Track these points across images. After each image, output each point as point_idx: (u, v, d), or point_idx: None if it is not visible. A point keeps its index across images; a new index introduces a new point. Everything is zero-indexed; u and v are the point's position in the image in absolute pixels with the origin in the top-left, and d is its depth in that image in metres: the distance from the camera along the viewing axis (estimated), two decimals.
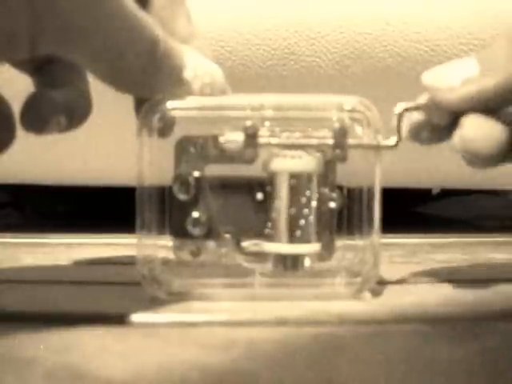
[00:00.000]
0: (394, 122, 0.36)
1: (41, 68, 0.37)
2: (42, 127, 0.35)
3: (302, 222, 0.36)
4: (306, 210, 0.36)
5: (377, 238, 0.35)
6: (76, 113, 0.36)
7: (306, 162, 0.36)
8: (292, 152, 0.35)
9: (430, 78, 0.35)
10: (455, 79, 0.34)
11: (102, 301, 0.35)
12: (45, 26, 0.30)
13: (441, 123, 0.35)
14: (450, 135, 0.35)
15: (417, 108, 0.36)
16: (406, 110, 0.36)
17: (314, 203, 0.36)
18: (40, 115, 0.35)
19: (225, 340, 0.30)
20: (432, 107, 0.35)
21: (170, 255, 0.36)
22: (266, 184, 0.36)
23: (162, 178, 0.36)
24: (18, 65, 0.37)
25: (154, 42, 0.32)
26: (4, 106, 0.34)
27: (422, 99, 0.36)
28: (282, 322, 0.33)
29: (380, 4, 0.53)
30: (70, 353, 0.29)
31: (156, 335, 0.31)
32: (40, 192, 0.64)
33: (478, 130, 0.33)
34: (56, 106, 0.35)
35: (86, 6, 0.30)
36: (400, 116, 0.36)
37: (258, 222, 0.36)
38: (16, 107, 0.34)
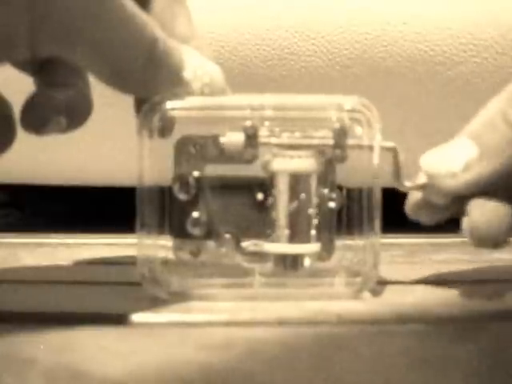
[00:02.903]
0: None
1: (41, 68, 0.37)
2: (43, 127, 0.35)
3: (302, 222, 0.36)
4: (305, 210, 0.36)
5: (377, 238, 0.35)
6: (76, 113, 0.36)
7: (305, 162, 0.36)
8: (292, 152, 0.35)
9: (429, 163, 0.35)
10: (455, 164, 0.34)
11: (102, 301, 0.35)
12: (45, 26, 0.30)
13: (440, 203, 0.36)
14: (449, 214, 0.36)
15: (417, 188, 0.36)
16: (408, 189, 0.36)
17: (313, 203, 0.36)
18: (40, 115, 0.35)
19: (225, 340, 0.30)
20: (432, 190, 0.35)
21: (170, 255, 0.36)
22: (265, 184, 0.36)
23: (162, 178, 0.36)
24: (19, 65, 0.37)
25: (153, 42, 0.32)
26: (4, 106, 0.34)
27: (422, 179, 0.36)
28: (282, 322, 0.33)
29: (380, 4, 0.53)
30: (70, 353, 0.29)
31: (156, 335, 0.31)
32: (40, 192, 0.64)
33: (484, 217, 0.34)
34: (56, 106, 0.35)
35: (86, 7, 0.30)
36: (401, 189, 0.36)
37: (258, 222, 0.36)
38: (16, 107, 0.34)
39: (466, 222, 0.35)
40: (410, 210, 0.37)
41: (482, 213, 0.34)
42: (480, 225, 0.34)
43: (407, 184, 0.36)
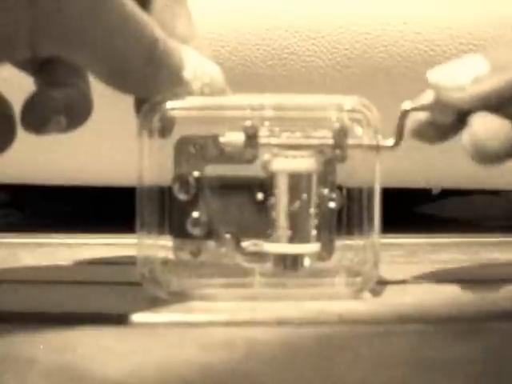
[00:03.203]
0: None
1: (42, 68, 0.36)
2: (43, 127, 0.35)
3: (302, 222, 0.36)
4: (305, 210, 0.36)
5: (377, 238, 0.35)
6: (76, 113, 0.36)
7: (305, 162, 0.36)
8: (292, 152, 0.35)
9: (437, 76, 0.34)
10: (463, 78, 0.33)
11: (102, 301, 0.35)
12: (45, 26, 0.30)
13: (445, 122, 0.35)
14: (454, 134, 0.35)
15: (423, 108, 0.35)
16: (412, 109, 0.36)
17: (313, 203, 0.36)
18: (40, 115, 0.35)
19: (225, 340, 0.30)
20: (438, 106, 0.35)
21: (170, 255, 0.36)
22: (266, 184, 0.36)
23: (162, 178, 0.36)
24: (19, 64, 0.37)
25: (153, 42, 0.32)
26: (4, 106, 0.34)
27: (426, 98, 0.35)
28: (282, 322, 0.33)
29: (380, 4, 0.53)
30: (70, 353, 0.29)
31: (156, 335, 0.31)
32: (40, 192, 0.64)
33: (488, 128, 0.33)
34: (56, 106, 0.35)
35: (86, 7, 0.30)
36: (404, 115, 0.35)
37: (258, 221, 0.36)
38: (17, 107, 0.34)
39: (466, 133, 0.33)
40: (413, 130, 0.36)
41: (489, 124, 0.33)
42: (487, 135, 0.33)
43: (412, 104, 0.35)
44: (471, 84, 0.33)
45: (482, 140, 0.33)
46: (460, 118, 0.34)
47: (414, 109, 0.36)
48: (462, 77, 0.33)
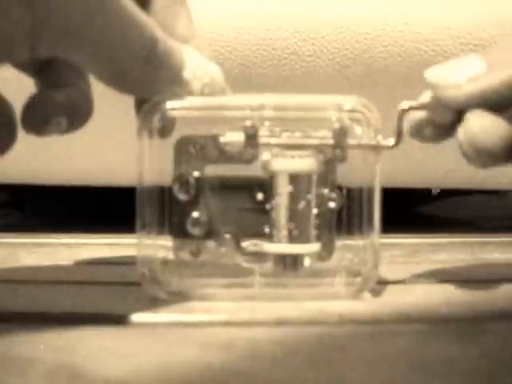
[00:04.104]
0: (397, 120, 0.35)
1: (42, 69, 0.37)
2: (43, 128, 0.35)
3: (302, 222, 0.36)
4: (305, 210, 0.36)
5: (377, 238, 0.35)
6: (77, 114, 0.36)
7: (305, 162, 0.36)
8: (292, 152, 0.35)
9: (434, 75, 0.34)
10: (461, 76, 0.34)
11: (102, 301, 0.35)
12: (45, 27, 0.30)
13: (443, 121, 0.35)
14: (452, 133, 0.35)
15: (421, 107, 0.35)
16: (410, 108, 0.36)
17: (313, 203, 0.36)
18: (41, 116, 0.35)
19: (225, 340, 0.30)
20: (436, 105, 0.35)
21: (170, 255, 0.36)
22: (266, 184, 0.36)
23: (162, 178, 0.36)
24: (20, 66, 0.37)
25: (153, 42, 0.32)
26: (5, 107, 0.34)
27: (425, 97, 0.35)
28: (282, 322, 0.33)
29: (380, 4, 0.53)
30: (70, 353, 0.29)
31: (156, 335, 0.31)
32: (40, 192, 0.64)
33: (482, 126, 0.33)
34: (57, 107, 0.35)
35: (86, 8, 0.30)
36: (402, 114, 0.35)
37: (258, 222, 0.36)
38: (17, 108, 0.34)
39: (461, 130, 0.33)
40: (413, 130, 0.36)
41: (484, 121, 0.33)
42: (481, 132, 0.33)
43: (410, 103, 0.35)
44: (467, 82, 0.33)
45: (476, 136, 0.33)
46: (458, 116, 0.34)
47: (412, 107, 0.36)
48: (459, 75, 0.34)
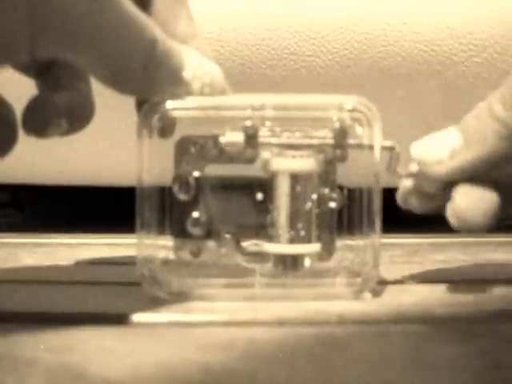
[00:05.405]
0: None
1: (43, 71, 0.36)
2: (44, 130, 0.35)
3: (302, 222, 0.36)
4: (306, 210, 0.36)
5: (377, 238, 0.35)
6: (78, 116, 0.36)
7: (306, 162, 0.36)
8: (292, 152, 0.35)
9: (418, 151, 0.36)
10: (441, 151, 0.35)
11: (102, 301, 0.35)
12: (45, 29, 0.30)
13: (431, 191, 0.36)
14: (441, 203, 0.36)
15: (409, 176, 0.37)
16: (402, 176, 0.37)
17: (314, 203, 0.36)
18: (42, 118, 0.35)
19: (225, 340, 0.30)
20: (422, 177, 0.36)
21: (170, 255, 0.36)
22: (266, 184, 0.36)
23: (162, 178, 0.36)
24: (21, 67, 0.37)
25: (153, 42, 0.32)
26: (6, 109, 0.34)
27: (413, 168, 0.37)
28: (282, 322, 0.33)
29: (380, 4, 0.53)
30: (70, 353, 0.29)
31: (156, 335, 0.31)
32: (40, 192, 0.64)
33: (469, 204, 0.35)
34: (58, 110, 0.35)
35: (86, 9, 0.30)
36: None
37: (258, 222, 0.36)
38: (18, 110, 0.34)
39: (450, 208, 0.35)
40: (401, 198, 0.37)
41: (469, 198, 0.35)
42: (464, 210, 0.35)
43: (400, 172, 0.37)
44: (448, 158, 0.35)
45: (464, 214, 0.35)
46: (443, 187, 0.36)
47: (403, 176, 0.37)
48: (440, 150, 0.35)
